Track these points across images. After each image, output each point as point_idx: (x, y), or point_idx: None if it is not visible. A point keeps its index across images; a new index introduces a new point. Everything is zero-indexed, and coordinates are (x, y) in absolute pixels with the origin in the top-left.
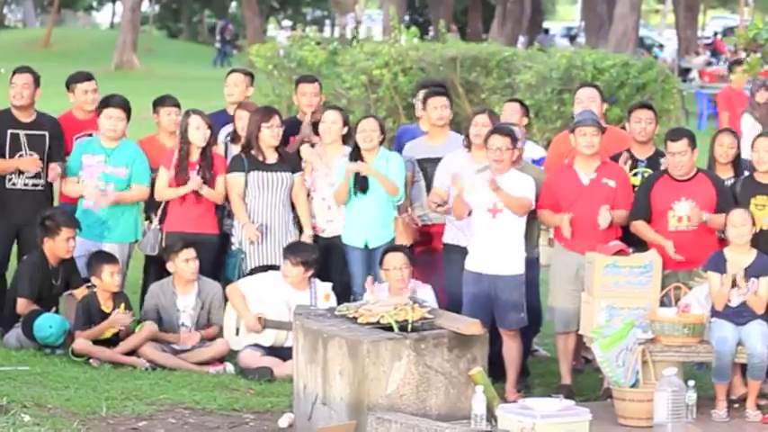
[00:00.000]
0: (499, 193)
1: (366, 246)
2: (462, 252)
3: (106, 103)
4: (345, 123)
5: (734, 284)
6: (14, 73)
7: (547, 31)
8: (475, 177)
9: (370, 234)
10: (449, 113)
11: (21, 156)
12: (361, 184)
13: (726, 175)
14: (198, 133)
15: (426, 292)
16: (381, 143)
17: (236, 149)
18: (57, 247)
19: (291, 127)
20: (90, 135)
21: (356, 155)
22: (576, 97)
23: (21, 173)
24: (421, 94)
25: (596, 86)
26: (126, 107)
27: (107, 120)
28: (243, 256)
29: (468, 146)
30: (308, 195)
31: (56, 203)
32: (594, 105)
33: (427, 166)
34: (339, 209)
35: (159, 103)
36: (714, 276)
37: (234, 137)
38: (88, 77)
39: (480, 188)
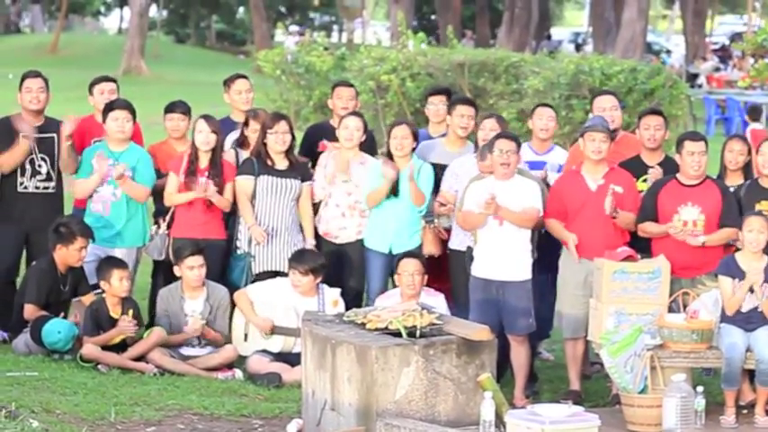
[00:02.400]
0: (501, 211)
1: (390, 252)
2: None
3: (110, 107)
4: (365, 130)
5: (750, 290)
6: (26, 77)
7: (549, 36)
8: (478, 187)
9: (396, 240)
10: (473, 124)
11: (32, 159)
12: (393, 187)
13: (736, 182)
14: (200, 137)
15: (438, 301)
16: (413, 150)
17: (245, 155)
18: (69, 255)
19: (321, 131)
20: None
21: (391, 159)
22: (594, 106)
23: (32, 176)
24: (435, 99)
25: (614, 93)
26: (130, 108)
27: (113, 122)
28: (251, 259)
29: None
30: (324, 203)
31: (68, 208)
32: (617, 114)
33: (442, 172)
34: (353, 216)
35: (167, 109)
36: (726, 281)
37: (242, 141)
38: (108, 79)
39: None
